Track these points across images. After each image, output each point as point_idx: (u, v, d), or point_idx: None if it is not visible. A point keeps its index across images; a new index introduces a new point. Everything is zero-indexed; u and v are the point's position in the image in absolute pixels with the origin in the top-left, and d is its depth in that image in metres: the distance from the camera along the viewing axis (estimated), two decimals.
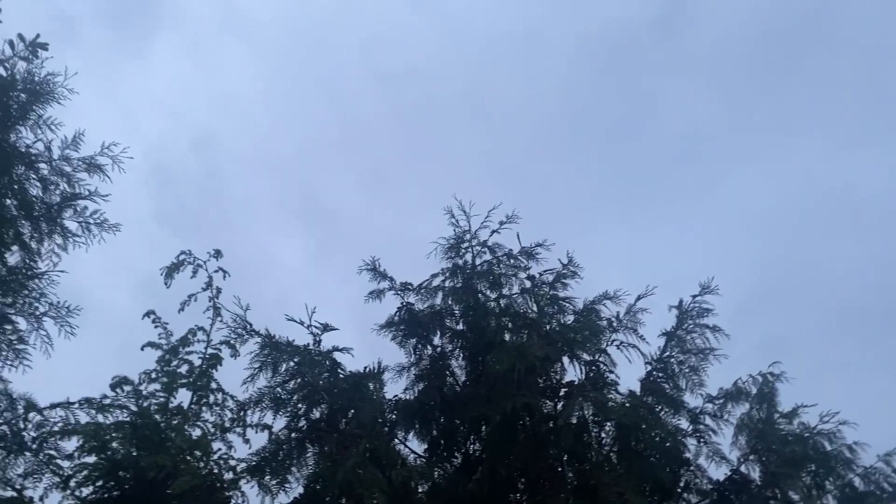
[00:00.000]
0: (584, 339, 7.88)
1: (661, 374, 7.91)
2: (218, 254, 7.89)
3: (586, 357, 7.97)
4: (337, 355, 6.93)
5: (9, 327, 5.71)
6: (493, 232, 8.96)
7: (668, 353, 7.99)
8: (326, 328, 6.92)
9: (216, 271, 8.03)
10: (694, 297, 8.27)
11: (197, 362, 7.62)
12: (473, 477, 7.52)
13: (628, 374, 8.31)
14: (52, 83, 6.38)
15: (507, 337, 8.11)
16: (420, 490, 7.31)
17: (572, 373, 8.12)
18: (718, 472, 7.92)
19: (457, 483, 7.53)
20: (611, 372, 8.11)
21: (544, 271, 8.78)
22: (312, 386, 6.58)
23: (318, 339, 6.90)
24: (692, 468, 7.67)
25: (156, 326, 7.39)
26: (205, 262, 8.03)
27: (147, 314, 7.14)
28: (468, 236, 9.10)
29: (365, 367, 7.10)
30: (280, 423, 6.68)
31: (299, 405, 6.60)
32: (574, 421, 6.87)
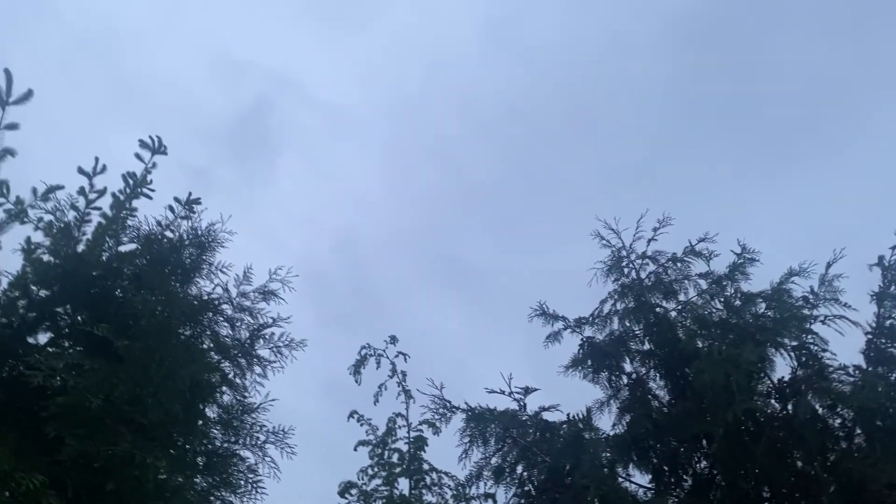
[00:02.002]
0: (785, 325, 7.33)
1: (884, 340, 7.19)
2: (394, 340, 8.13)
3: (792, 343, 7.41)
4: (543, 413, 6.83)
5: (240, 463, 6.04)
6: (650, 241, 8.63)
7: (885, 315, 7.26)
8: (528, 391, 6.86)
9: (396, 356, 8.28)
10: (894, 248, 7.52)
11: (404, 448, 7.81)
12: (712, 496, 7.11)
13: (842, 349, 7.64)
14: (213, 232, 6.83)
15: (699, 344, 7.70)
16: None
17: (779, 362, 7.59)
18: None
19: None
20: (823, 351, 7.49)
21: (709, 274, 8.32)
22: (528, 449, 6.49)
23: (522, 403, 6.84)
24: None
25: (360, 424, 7.67)
26: (384, 351, 8.31)
27: (350, 415, 7.43)
28: (624, 252, 8.81)
29: (568, 415, 6.94)
30: (502, 491, 6.62)
31: (521, 471, 6.53)
32: (808, 416, 6.34)
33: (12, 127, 5.41)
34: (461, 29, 36.81)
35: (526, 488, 6.54)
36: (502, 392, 6.98)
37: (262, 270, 7.07)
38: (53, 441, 4.65)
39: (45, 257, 5.98)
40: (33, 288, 5.88)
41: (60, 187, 5.89)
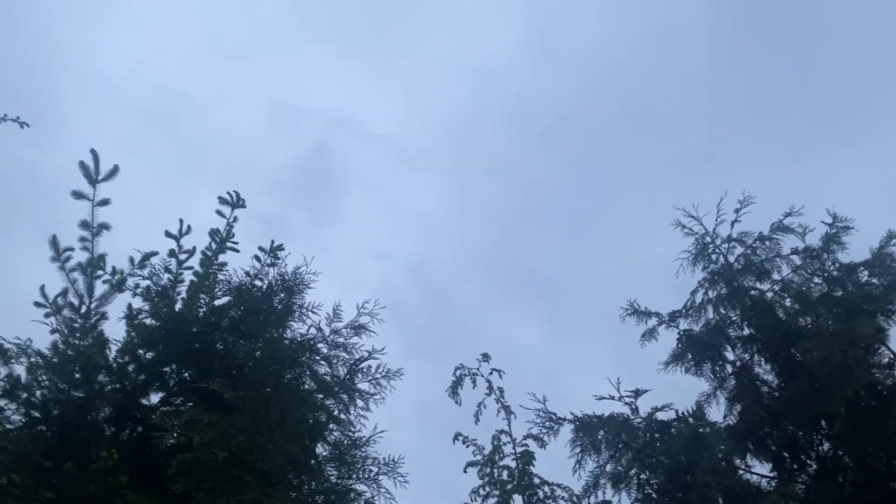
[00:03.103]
0: (894, 291, 6.97)
1: None
2: (486, 357, 8.05)
3: None
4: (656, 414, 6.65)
5: (358, 498, 6.09)
6: (734, 223, 8.38)
7: None
8: (638, 393, 6.70)
9: (491, 374, 8.19)
10: None
11: (512, 464, 7.71)
12: (841, 478, 6.78)
13: None
14: (298, 275, 6.97)
15: (803, 322, 7.39)
16: None
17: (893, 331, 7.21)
18: None
19: (825, 491, 6.81)
20: None
21: (803, 250, 7.99)
22: (642, 451, 6.34)
23: (633, 406, 6.68)
24: None
25: (466, 445, 7.61)
26: (478, 369, 8.24)
27: (455, 437, 7.39)
28: (708, 238, 8.57)
29: (677, 412, 6.75)
30: (623, 498, 6.47)
31: (639, 475, 6.37)
32: None
33: (104, 203, 5.66)
34: (503, 42, 36.90)
35: (646, 491, 6.37)
36: (611, 398, 6.84)
37: (347, 306, 7.17)
38: (181, 497, 4.79)
39: (148, 321, 6.20)
40: (140, 351, 6.10)
41: (154, 253, 6.12)
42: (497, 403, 8.17)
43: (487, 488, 7.43)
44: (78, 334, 5.68)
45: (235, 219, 6.84)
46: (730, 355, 7.93)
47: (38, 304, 5.75)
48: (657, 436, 6.49)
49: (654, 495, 6.34)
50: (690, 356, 7.92)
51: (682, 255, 8.61)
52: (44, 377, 5.61)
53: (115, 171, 5.66)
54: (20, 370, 5.55)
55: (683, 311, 8.22)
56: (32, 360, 5.55)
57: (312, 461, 6.07)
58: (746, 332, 7.93)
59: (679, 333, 8.07)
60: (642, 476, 6.46)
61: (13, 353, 5.54)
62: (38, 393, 5.56)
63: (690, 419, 6.63)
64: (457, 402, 7.87)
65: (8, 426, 5.36)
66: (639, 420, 6.63)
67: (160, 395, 6.12)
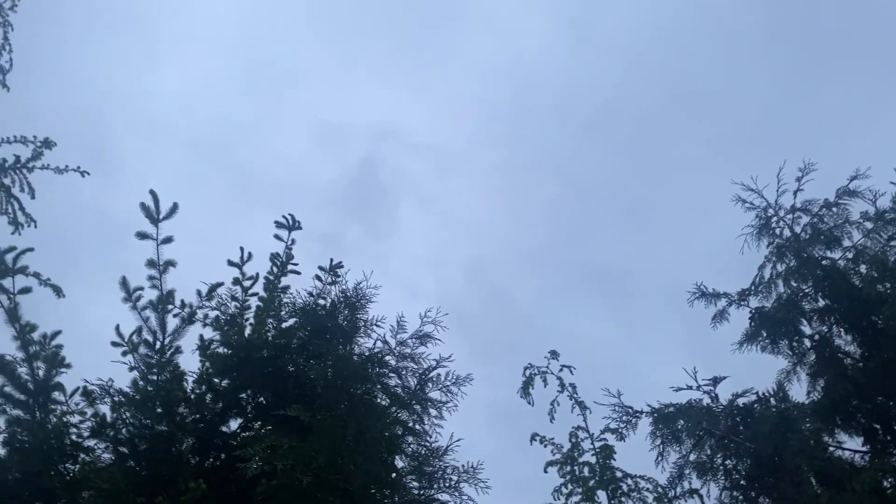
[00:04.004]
0: None
1: None
2: (555, 354, 7.99)
3: None
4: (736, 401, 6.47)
5: None
6: (797, 192, 8.09)
7: None
8: (717, 380, 6.53)
9: (561, 370, 8.13)
10: None
11: (592, 460, 7.63)
12: None
13: None
14: (360, 290, 7.01)
15: (881, 288, 7.08)
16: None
17: None
18: None
19: None
20: None
21: (874, 214, 7.65)
22: (725, 437, 6.17)
23: (713, 394, 6.52)
24: None
25: (544, 445, 7.57)
26: (547, 367, 8.19)
27: (532, 437, 7.35)
28: (771, 211, 8.30)
29: (758, 394, 6.54)
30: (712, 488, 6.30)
31: (724, 463, 6.20)
32: None
33: (167, 241, 5.81)
34: (536, 36, 36.63)
35: (734, 478, 6.20)
36: (689, 387, 6.68)
37: (410, 316, 7.19)
38: None
39: (220, 350, 6.33)
40: (216, 380, 6.23)
41: (220, 284, 6.25)
42: (570, 400, 8.10)
43: (570, 486, 7.37)
44: (155, 370, 5.84)
45: (293, 241, 6.94)
46: (806, 329, 7.66)
47: (115, 344, 5.94)
48: (739, 420, 6.30)
49: (742, 482, 6.16)
50: (765, 334, 7.69)
51: (745, 230, 8.38)
52: (127, 414, 5.79)
53: (174, 209, 5.81)
54: (105, 409, 5.77)
55: (752, 288, 7.98)
56: (115, 398, 5.74)
57: (393, 475, 6.10)
58: (821, 303, 7.65)
59: (751, 312, 7.84)
60: (728, 463, 6.29)
61: (97, 394, 5.74)
62: (123, 430, 5.75)
63: (773, 400, 6.42)
64: (529, 403, 7.83)
65: (100, 464, 5.56)
66: (719, 407, 6.46)
67: (238, 421, 6.25)
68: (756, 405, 6.50)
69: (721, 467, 6.31)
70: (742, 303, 7.93)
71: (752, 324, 7.73)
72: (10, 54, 7.67)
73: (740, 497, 6.10)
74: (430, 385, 6.99)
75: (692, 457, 6.45)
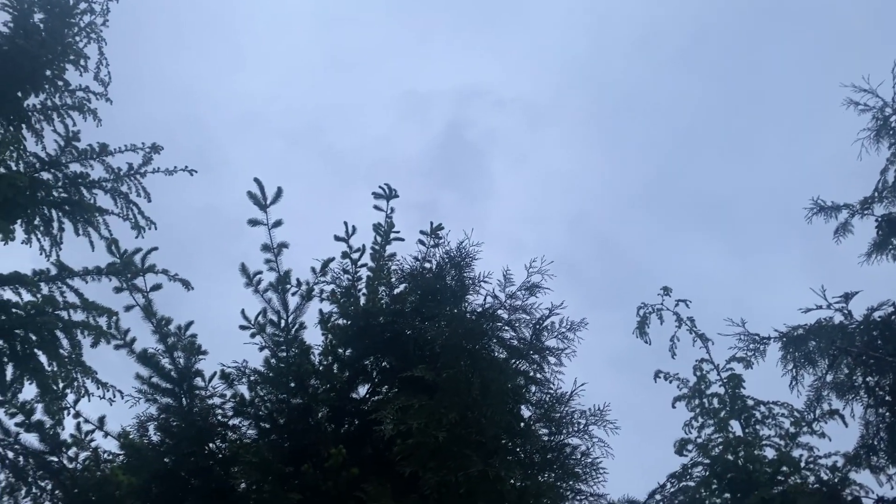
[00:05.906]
0: None
1: None
2: (667, 291, 7.82)
3: None
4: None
5: (576, 451, 6.13)
6: None
7: None
8: (848, 296, 6.22)
9: (676, 305, 7.96)
10: None
11: (721, 391, 7.47)
12: None
13: None
14: (463, 249, 7.07)
15: None
16: None
17: None
18: None
19: None
20: None
21: None
22: (863, 354, 5.88)
23: (846, 311, 6.22)
24: None
25: (669, 381, 7.48)
26: (661, 304, 8.04)
27: (656, 375, 7.29)
28: (889, 110, 7.68)
29: (894, 305, 6.17)
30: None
31: (865, 380, 5.92)
32: None
33: (277, 224, 6.05)
34: None
35: (878, 394, 5.91)
36: (818, 307, 6.38)
37: (516, 270, 7.19)
38: (410, 478, 5.07)
39: (340, 321, 6.58)
40: (340, 351, 6.49)
41: (331, 259, 6.47)
42: (690, 334, 7.93)
43: (700, 419, 7.27)
44: (283, 347, 6.14)
45: (392, 210, 7.08)
46: None
47: (243, 327, 6.27)
48: (877, 334, 5.97)
49: (888, 398, 5.86)
50: (895, 241, 7.20)
51: (860, 135, 7.80)
52: (263, 391, 6.14)
53: (279, 194, 6.02)
54: (243, 389, 6.14)
55: (876, 195, 7.47)
56: (251, 378, 6.10)
57: (522, 424, 6.20)
58: None
59: (877, 220, 7.35)
60: (869, 380, 5.99)
61: (234, 376, 6.12)
62: (262, 407, 6.11)
63: None
64: (646, 342, 7.73)
65: (246, 440, 5.94)
66: (853, 323, 6.14)
67: (366, 386, 6.51)
68: (893, 316, 6.13)
69: (862, 385, 6.02)
70: (866, 212, 7.44)
71: (880, 232, 7.26)
72: (107, 68, 8.10)
73: (887, 413, 5.81)
74: (545, 334, 7.00)
75: (829, 377, 6.19)
